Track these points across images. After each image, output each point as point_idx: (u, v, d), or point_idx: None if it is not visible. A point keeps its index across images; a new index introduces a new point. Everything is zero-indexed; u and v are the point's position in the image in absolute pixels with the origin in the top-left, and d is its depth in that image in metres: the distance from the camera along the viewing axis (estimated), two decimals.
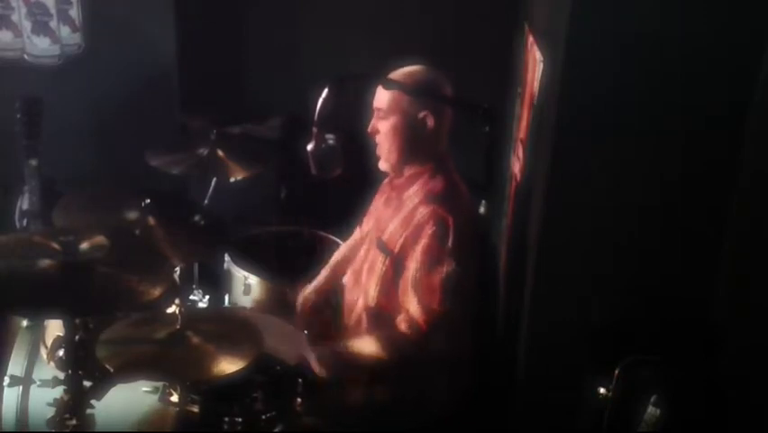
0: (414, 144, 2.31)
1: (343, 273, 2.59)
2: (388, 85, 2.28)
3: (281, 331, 2.46)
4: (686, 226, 1.99)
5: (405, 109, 2.28)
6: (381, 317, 2.34)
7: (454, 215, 2.21)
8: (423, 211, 2.24)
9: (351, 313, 2.45)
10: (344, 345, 2.33)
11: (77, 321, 2.17)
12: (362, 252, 2.49)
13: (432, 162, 2.33)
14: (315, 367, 2.24)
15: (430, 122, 2.28)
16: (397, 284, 2.28)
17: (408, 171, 2.36)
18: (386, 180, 2.50)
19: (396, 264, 2.28)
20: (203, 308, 2.79)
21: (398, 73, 2.31)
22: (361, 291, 2.41)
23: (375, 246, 2.38)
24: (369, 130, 2.35)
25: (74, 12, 3.38)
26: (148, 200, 2.38)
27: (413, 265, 2.22)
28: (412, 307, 2.20)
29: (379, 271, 2.33)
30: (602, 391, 1.89)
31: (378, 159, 2.38)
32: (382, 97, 2.31)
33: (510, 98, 2.99)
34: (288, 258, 2.89)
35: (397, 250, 2.28)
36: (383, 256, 2.32)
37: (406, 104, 2.28)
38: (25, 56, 3.33)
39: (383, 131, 2.32)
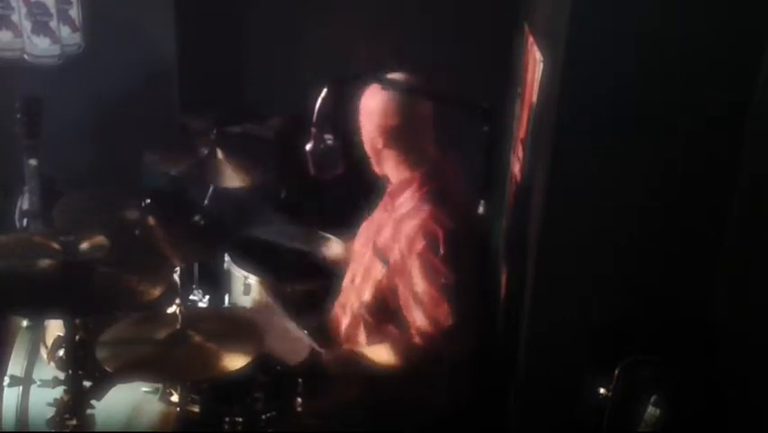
0: (378, 155, 2.35)
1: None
2: (387, 84, 2.29)
3: (281, 331, 2.46)
4: (686, 226, 1.99)
5: (369, 122, 2.33)
6: (378, 322, 2.35)
7: (444, 223, 2.21)
8: (412, 223, 2.25)
9: (344, 312, 2.45)
10: (357, 350, 2.35)
11: (77, 321, 2.17)
12: (360, 255, 2.49)
13: (423, 168, 2.33)
14: (327, 366, 2.28)
15: (380, 135, 2.31)
16: (392, 293, 2.29)
17: (400, 177, 2.36)
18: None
19: (391, 274, 2.29)
20: (203, 308, 2.79)
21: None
22: (354, 293, 2.41)
23: (372, 251, 2.38)
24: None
25: (74, 12, 3.38)
26: (148, 200, 2.38)
27: (412, 281, 2.22)
28: (420, 321, 2.21)
29: (375, 277, 2.34)
30: (602, 391, 1.89)
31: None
32: (360, 111, 2.36)
33: (510, 98, 2.99)
34: (288, 258, 2.89)
35: (392, 262, 2.29)
36: (381, 264, 2.33)
37: (369, 117, 2.32)
38: (25, 56, 3.33)
39: (364, 142, 2.38)
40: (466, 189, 2.36)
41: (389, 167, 2.38)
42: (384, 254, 2.32)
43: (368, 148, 2.37)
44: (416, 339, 2.22)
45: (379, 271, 2.33)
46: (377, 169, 2.41)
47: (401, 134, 2.31)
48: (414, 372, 2.26)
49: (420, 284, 2.21)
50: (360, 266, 2.44)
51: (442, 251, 2.19)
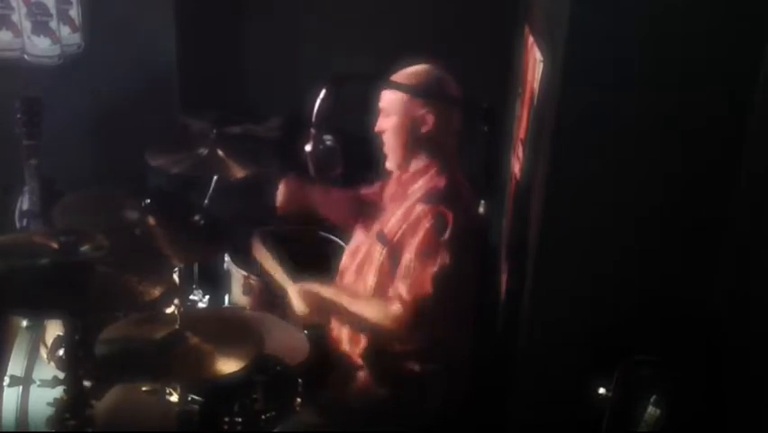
0: (416, 142, 2.32)
1: None
2: (389, 86, 2.29)
3: (281, 331, 2.46)
4: (686, 226, 1.99)
5: (406, 108, 2.30)
6: None
7: (454, 212, 2.21)
8: (423, 207, 2.26)
9: None
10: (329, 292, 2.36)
11: (77, 321, 2.17)
12: (366, 244, 2.49)
13: (438, 160, 2.34)
14: (295, 302, 2.33)
15: (429, 119, 2.29)
16: (393, 275, 2.29)
17: (415, 167, 2.36)
18: (393, 176, 2.51)
19: (392, 255, 2.29)
20: (203, 308, 2.79)
21: (403, 73, 2.32)
22: (362, 282, 2.42)
23: (375, 238, 2.39)
24: (375, 129, 2.36)
25: (74, 12, 3.39)
26: (148, 200, 2.38)
27: (408, 256, 2.23)
28: (402, 291, 2.21)
29: (376, 261, 2.34)
30: (602, 391, 1.89)
31: (385, 158, 2.39)
32: (386, 97, 2.34)
33: (510, 98, 2.99)
34: (289, 258, 2.89)
35: (394, 241, 2.29)
36: (380, 246, 2.34)
37: (407, 103, 2.29)
38: (25, 56, 3.33)
39: (388, 130, 2.34)
40: (471, 189, 2.36)
41: (406, 158, 2.35)
42: (386, 238, 2.33)
43: (394, 136, 2.33)
44: (395, 308, 2.22)
45: (378, 253, 2.34)
46: (395, 161, 2.37)
47: (441, 121, 2.30)
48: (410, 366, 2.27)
49: (414, 259, 2.21)
50: (362, 255, 2.45)
51: (447, 234, 2.19)
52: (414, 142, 2.32)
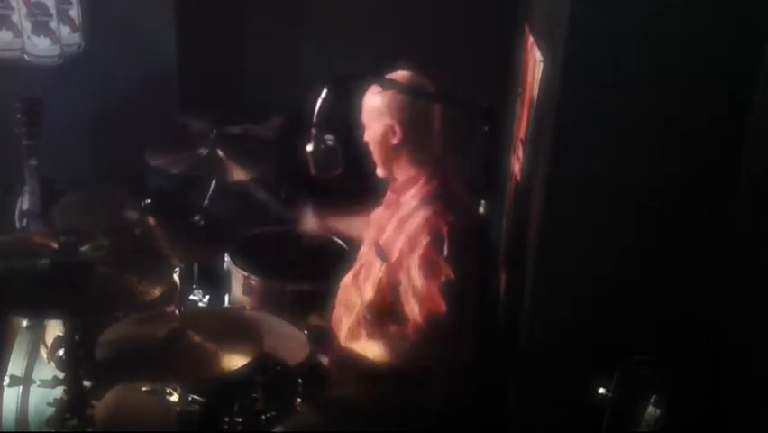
0: (392, 152, 2.34)
1: None
2: (386, 85, 2.29)
3: (281, 331, 2.46)
4: (686, 226, 1.99)
5: (376, 120, 2.32)
6: (379, 321, 2.35)
7: (449, 222, 2.21)
8: (417, 219, 2.25)
9: (348, 312, 2.45)
10: (355, 350, 2.34)
11: (77, 321, 2.17)
12: (363, 253, 2.49)
13: (428, 167, 2.33)
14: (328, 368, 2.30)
15: (397, 130, 2.30)
16: (392, 291, 2.29)
17: (403, 175, 2.37)
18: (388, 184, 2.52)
19: (392, 272, 2.29)
20: (203, 308, 2.79)
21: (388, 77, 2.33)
22: (357, 292, 2.41)
23: (373, 250, 2.39)
24: (365, 139, 2.39)
25: (74, 12, 3.39)
26: (148, 200, 2.39)
27: (411, 275, 2.23)
28: (417, 317, 2.21)
29: (375, 276, 2.34)
30: (602, 391, 1.89)
31: (375, 167, 2.41)
32: (363, 109, 2.36)
33: (510, 98, 2.99)
34: (288, 258, 2.89)
35: (393, 258, 2.29)
36: (380, 262, 2.33)
37: (376, 115, 2.32)
38: (25, 56, 3.33)
39: (369, 141, 2.36)
40: (467, 190, 2.36)
41: (388, 167, 2.37)
42: (384, 252, 2.32)
43: (374, 147, 2.36)
44: (414, 335, 2.22)
45: (378, 269, 2.33)
46: (381, 170, 2.40)
47: (412, 129, 2.30)
48: (412, 368, 2.26)
49: (420, 280, 2.20)
50: (362, 264, 2.45)
51: (445, 248, 2.19)
52: (391, 152, 2.34)
